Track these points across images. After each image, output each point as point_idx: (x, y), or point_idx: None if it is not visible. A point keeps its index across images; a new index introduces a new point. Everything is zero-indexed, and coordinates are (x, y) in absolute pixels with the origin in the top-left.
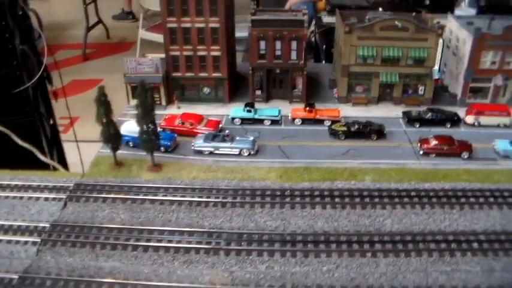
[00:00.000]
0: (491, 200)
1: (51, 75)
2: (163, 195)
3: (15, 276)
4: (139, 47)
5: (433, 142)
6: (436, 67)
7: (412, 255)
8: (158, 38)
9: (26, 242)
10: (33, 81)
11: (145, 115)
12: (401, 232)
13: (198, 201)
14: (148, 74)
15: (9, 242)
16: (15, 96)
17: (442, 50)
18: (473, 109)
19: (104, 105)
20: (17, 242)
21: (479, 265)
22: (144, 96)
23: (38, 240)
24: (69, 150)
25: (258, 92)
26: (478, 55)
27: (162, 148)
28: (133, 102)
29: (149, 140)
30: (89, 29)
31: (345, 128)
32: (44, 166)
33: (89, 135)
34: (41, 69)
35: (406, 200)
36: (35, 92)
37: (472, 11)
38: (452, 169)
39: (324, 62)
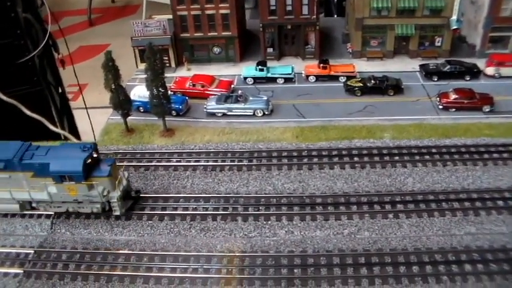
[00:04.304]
0: None
1: (57, 43)
2: (177, 161)
3: None
4: (145, 9)
5: (453, 96)
6: (454, 17)
7: (435, 215)
8: None
9: None
10: (38, 49)
11: (155, 78)
12: (423, 191)
13: (212, 165)
14: (156, 35)
15: None
16: (21, 66)
17: None
18: (493, 60)
19: (112, 70)
20: None
21: (504, 224)
22: (153, 59)
23: None
24: (80, 118)
25: (270, 50)
26: (499, 2)
27: (173, 112)
28: (142, 66)
29: (160, 104)
30: None
31: (361, 84)
32: (55, 136)
33: (98, 102)
34: (46, 37)
35: (427, 157)
36: (42, 61)
37: None
38: (474, 123)
39: (335, 15)
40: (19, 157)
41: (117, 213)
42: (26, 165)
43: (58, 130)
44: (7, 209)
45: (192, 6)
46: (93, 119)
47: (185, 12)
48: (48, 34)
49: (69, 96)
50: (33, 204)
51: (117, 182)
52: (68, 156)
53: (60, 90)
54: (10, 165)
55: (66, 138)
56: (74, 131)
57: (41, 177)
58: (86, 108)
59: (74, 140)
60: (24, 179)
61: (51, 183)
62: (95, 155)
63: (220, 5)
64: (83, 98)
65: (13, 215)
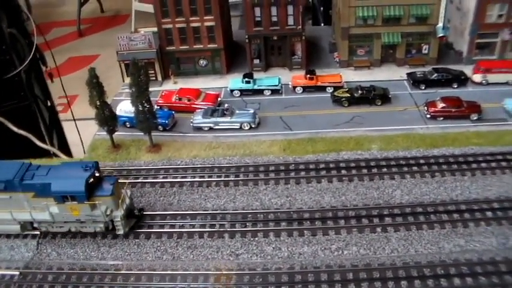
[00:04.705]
0: (504, 163)
1: (45, 56)
2: (164, 177)
3: None
4: (134, 19)
5: (441, 105)
6: (440, 24)
7: (424, 228)
8: (152, 8)
9: None
10: (24, 64)
11: (140, 94)
12: (411, 204)
13: (199, 181)
14: (142, 49)
15: None
16: (7, 81)
17: (446, 6)
18: (480, 67)
19: (96, 87)
20: None
21: (493, 235)
22: (138, 74)
23: None
24: (69, 130)
25: (256, 61)
26: (484, 8)
27: (160, 127)
28: (128, 80)
29: (145, 120)
30: (81, 3)
31: (348, 94)
32: (44, 153)
33: (90, 113)
34: (32, 51)
35: (415, 168)
36: (28, 75)
37: None
38: (462, 132)
39: (322, 24)
40: (20, 177)
41: (121, 232)
42: (26, 185)
43: (47, 147)
44: (8, 230)
45: (177, 19)
46: (85, 130)
47: (170, 25)
48: (34, 48)
49: (59, 108)
50: (35, 225)
51: (120, 201)
52: (70, 175)
53: (49, 104)
54: (10, 186)
55: (55, 155)
56: (64, 146)
57: (43, 198)
58: (75, 120)
59: (63, 157)
60: (25, 200)
61: (53, 203)
62: (96, 174)
63: (205, 18)
64: (71, 110)
65: None
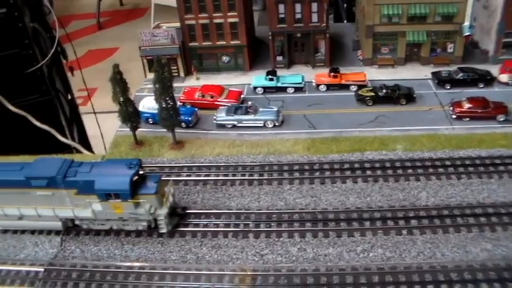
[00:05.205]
0: None
1: (65, 49)
2: (187, 175)
3: None
4: (154, 12)
5: (467, 105)
6: (467, 23)
7: (450, 231)
8: (172, 2)
9: None
10: (47, 58)
11: (164, 91)
12: (437, 206)
13: (223, 179)
14: (164, 45)
15: None
16: (30, 76)
17: (473, 4)
18: (507, 66)
19: (119, 83)
20: None
21: None
22: (161, 71)
23: None
24: (90, 122)
25: (279, 58)
26: None
27: (182, 124)
28: (151, 75)
29: (169, 117)
30: None
31: (372, 93)
32: (64, 148)
33: (109, 106)
34: (54, 45)
35: (440, 170)
36: (50, 69)
37: None
38: (488, 133)
39: (345, 21)
40: (62, 174)
41: (164, 230)
42: (69, 182)
43: (68, 141)
44: (49, 227)
45: (200, 15)
46: (105, 123)
47: (193, 21)
48: (56, 42)
49: (79, 101)
50: (76, 222)
51: (164, 199)
52: (114, 173)
53: (69, 97)
54: (53, 183)
55: (76, 150)
56: (84, 140)
57: (85, 195)
58: (95, 113)
59: (85, 152)
60: (68, 197)
61: (95, 200)
62: (140, 172)
63: (229, 14)
64: (91, 103)
65: (23, 231)
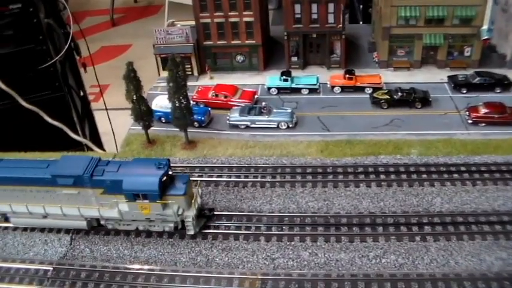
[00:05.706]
0: None
1: (79, 45)
2: (199, 176)
3: None
4: (168, 10)
5: (483, 110)
6: (485, 26)
7: (464, 238)
8: (187, 0)
9: None
10: (61, 54)
11: (177, 90)
12: (452, 213)
13: (235, 181)
14: (179, 43)
15: None
16: (43, 72)
17: (491, 7)
18: None
19: (133, 81)
20: None
21: None
22: (176, 70)
23: None
24: (101, 119)
25: (294, 59)
26: None
27: (195, 123)
28: (164, 74)
29: (182, 117)
30: None
31: (387, 96)
32: (76, 144)
33: (120, 103)
34: (68, 41)
35: (455, 175)
36: (63, 65)
37: None
38: (505, 139)
39: (361, 22)
40: (89, 173)
41: (191, 232)
42: (96, 181)
43: (80, 138)
44: (74, 226)
45: (215, 14)
46: (116, 120)
47: (208, 20)
48: (70, 38)
49: (91, 97)
50: (102, 222)
51: (193, 201)
52: (142, 173)
53: (81, 94)
54: (79, 181)
55: (88, 147)
56: (96, 137)
57: (112, 195)
58: (107, 110)
59: (96, 150)
60: (94, 196)
61: (122, 201)
62: (169, 172)
63: (244, 13)
64: (103, 100)
65: (32, 229)
